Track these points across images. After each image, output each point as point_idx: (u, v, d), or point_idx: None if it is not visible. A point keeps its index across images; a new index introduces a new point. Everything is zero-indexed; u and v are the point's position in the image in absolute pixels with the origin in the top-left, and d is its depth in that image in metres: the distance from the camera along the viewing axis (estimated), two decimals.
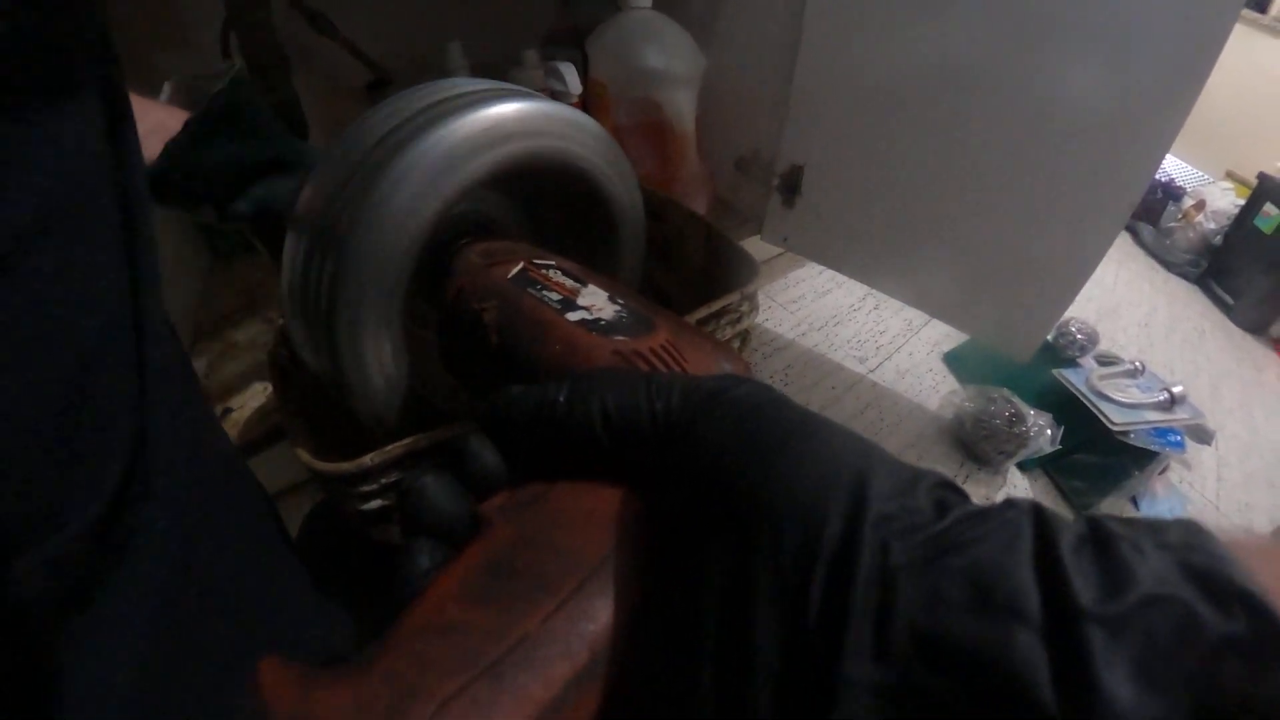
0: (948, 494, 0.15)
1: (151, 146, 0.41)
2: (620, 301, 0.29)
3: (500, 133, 0.34)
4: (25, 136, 0.20)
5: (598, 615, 0.16)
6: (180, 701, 0.27)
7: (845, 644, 0.13)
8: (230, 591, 0.32)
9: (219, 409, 0.69)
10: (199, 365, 0.75)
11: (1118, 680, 0.11)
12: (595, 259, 0.43)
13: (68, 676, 0.22)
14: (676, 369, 0.25)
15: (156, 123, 0.42)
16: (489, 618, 0.16)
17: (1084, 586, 0.12)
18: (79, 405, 0.22)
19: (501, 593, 0.17)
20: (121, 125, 0.26)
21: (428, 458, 0.36)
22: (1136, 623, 0.12)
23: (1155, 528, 0.13)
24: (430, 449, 0.36)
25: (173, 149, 0.42)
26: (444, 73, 0.87)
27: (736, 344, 0.48)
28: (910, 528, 0.14)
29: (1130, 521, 0.14)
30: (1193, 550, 0.13)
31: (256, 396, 0.69)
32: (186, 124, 0.42)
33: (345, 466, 0.35)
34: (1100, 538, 0.13)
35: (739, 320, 0.46)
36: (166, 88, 0.46)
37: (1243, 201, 1.54)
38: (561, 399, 0.20)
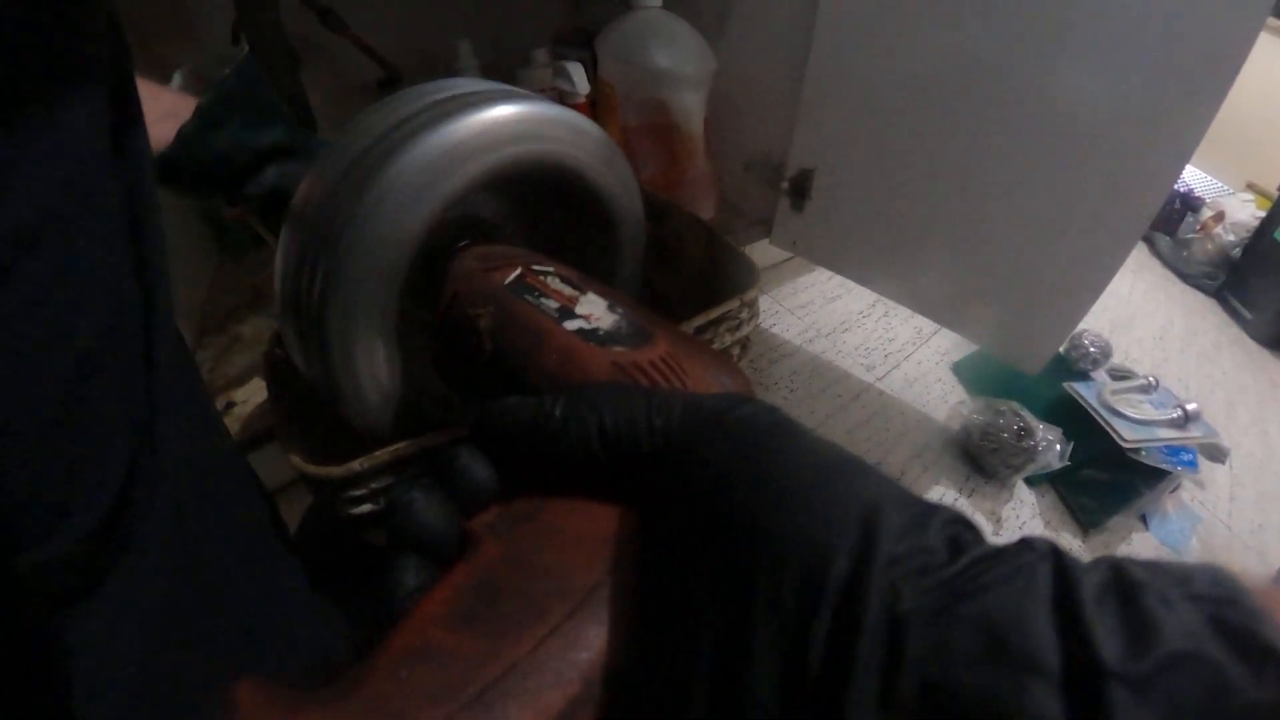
0: (961, 532, 0.15)
1: (164, 132, 0.42)
2: (619, 311, 0.28)
3: (498, 135, 0.34)
4: (27, 137, 0.20)
5: (591, 643, 0.16)
6: (181, 694, 0.27)
7: (849, 695, 0.12)
8: (229, 586, 0.32)
9: (223, 403, 0.69)
10: (204, 359, 0.75)
11: None
12: (594, 263, 0.42)
13: (71, 669, 0.23)
14: (676, 383, 0.24)
15: (169, 108, 0.42)
16: (475, 643, 0.16)
17: (1106, 640, 0.11)
18: (82, 406, 0.22)
19: (489, 616, 0.16)
20: (129, 122, 0.26)
21: (417, 464, 0.36)
22: (1162, 683, 0.11)
23: (1181, 576, 0.13)
24: (420, 455, 0.35)
25: (185, 134, 0.42)
26: (453, 71, 0.87)
27: (736, 351, 0.47)
28: (922, 569, 0.13)
29: (1154, 566, 0.13)
30: (1222, 604, 0.12)
31: (260, 391, 0.70)
32: (197, 109, 0.42)
33: (334, 471, 0.35)
34: (1124, 586, 0.12)
35: (738, 327, 0.45)
36: (178, 76, 0.47)
37: (1263, 214, 1.51)
38: (557, 413, 0.20)
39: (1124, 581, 0.13)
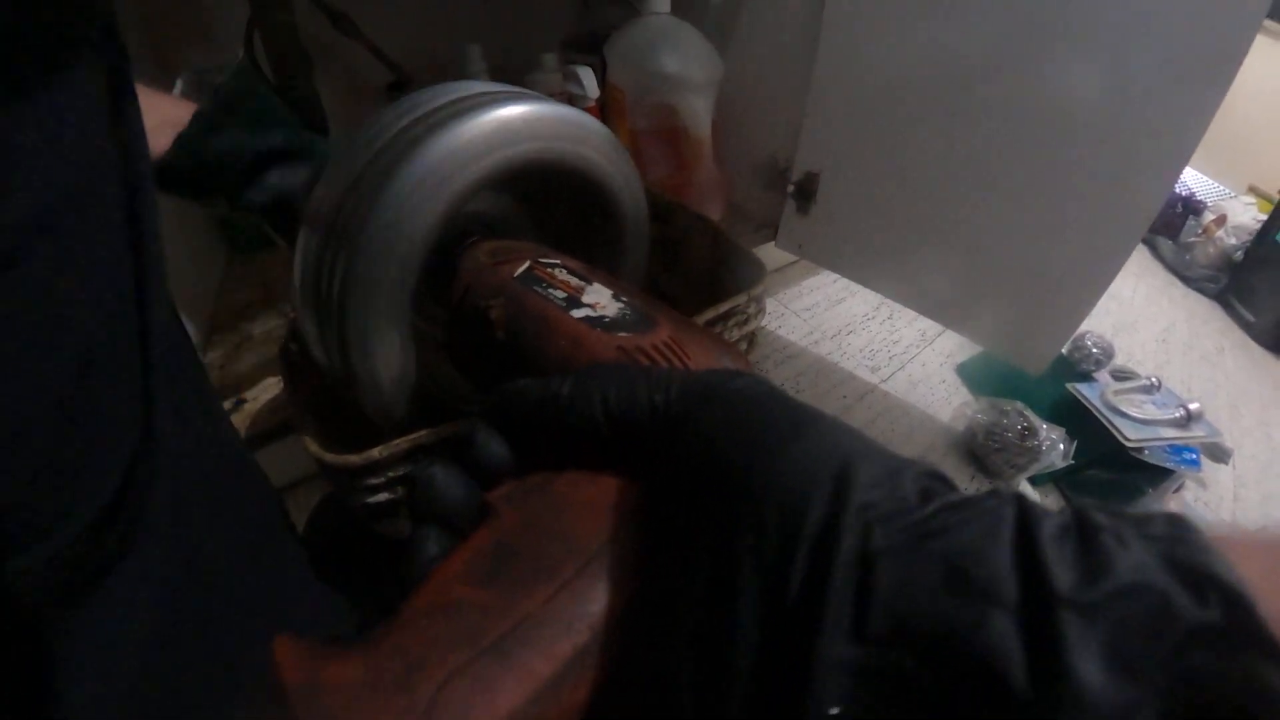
0: (934, 483, 0.16)
1: (161, 140, 0.41)
2: (624, 299, 0.29)
3: (507, 135, 0.35)
4: (27, 130, 0.20)
5: (598, 597, 0.17)
6: (182, 692, 0.28)
7: (823, 624, 0.13)
8: (233, 584, 0.32)
9: (233, 400, 0.70)
10: (214, 357, 0.76)
11: (1090, 665, 0.11)
12: (600, 258, 0.43)
13: (71, 668, 0.23)
14: (678, 364, 0.25)
15: (165, 116, 0.42)
16: (494, 598, 0.17)
17: (1061, 573, 0.12)
18: (82, 401, 0.22)
19: (506, 574, 0.17)
20: (127, 119, 0.26)
21: (434, 451, 0.37)
22: (1111, 609, 0.12)
23: (1141, 520, 0.13)
24: (438, 444, 0.36)
25: (183, 139, 0.42)
26: (463, 75, 0.88)
27: (744, 346, 0.48)
28: (893, 514, 0.14)
29: (1117, 513, 0.14)
30: (1176, 542, 0.13)
31: (270, 389, 0.70)
32: (195, 115, 0.42)
33: (353, 459, 0.35)
34: (1083, 527, 0.13)
35: (746, 322, 0.46)
36: (179, 82, 0.47)
37: (1265, 217, 1.51)
38: (565, 391, 0.20)
39: (1083, 524, 0.13)
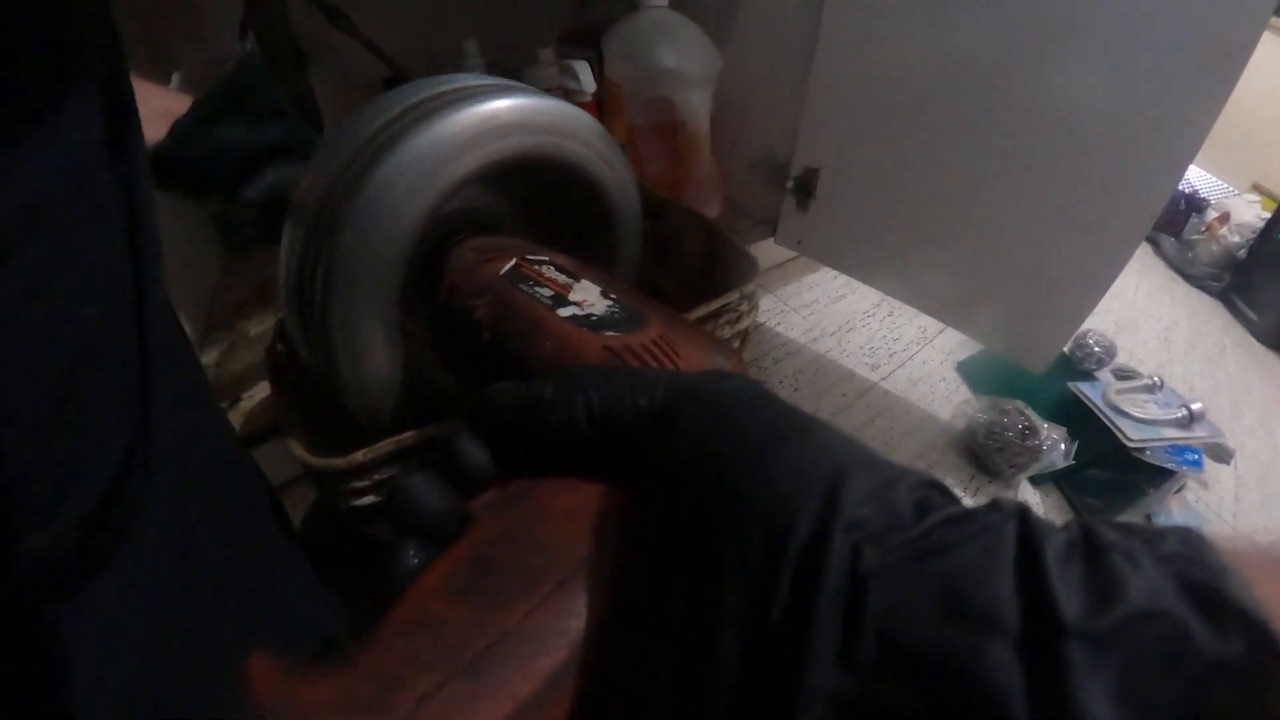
0: (931, 494, 0.15)
1: (156, 130, 0.40)
2: (613, 296, 0.29)
3: (492, 128, 0.34)
4: (23, 124, 0.20)
5: (577, 612, 0.17)
6: (179, 683, 0.28)
7: (808, 651, 0.12)
8: (229, 577, 0.32)
9: (229, 399, 0.69)
10: (211, 356, 0.76)
11: (1097, 701, 0.10)
12: (592, 254, 0.42)
13: (69, 658, 0.23)
14: (668, 364, 0.25)
15: (161, 107, 0.41)
16: (470, 613, 0.16)
17: (1068, 599, 0.11)
18: (77, 394, 0.22)
19: (483, 588, 0.17)
20: (124, 115, 0.26)
21: (419, 454, 0.36)
22: (1123, 640, 0.11)
23: (1152, 536, 0.13)
24: (422, 445, 0.36)
25: (178, 129, 0.41)
26: (459, 70, 0.88)
27: (736, 344, 0.47)
28: (885, 530, 0.13)
29: (1126, 528, 0.13)
30: (1190, 563, 0.12)
31: (266, 388, 0.70)
32: (194, 104, 0.41)
33: (337, 462, 0.35)
34: (1091, 545, 0.12)
35: (738, 320, 0.45)
36: (176, 76, 0.46)
37: (1269, 215, 1.50)
38: (547, 395, 0.20)
39: (1091, 541, 0.13)
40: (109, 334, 0.24)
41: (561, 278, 0.30)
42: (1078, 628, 0.11)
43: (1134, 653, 0.11)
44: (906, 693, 0.12)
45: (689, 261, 0.57)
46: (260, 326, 0.80)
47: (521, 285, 0.30)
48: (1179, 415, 0.94)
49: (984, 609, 0.12)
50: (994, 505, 0.14)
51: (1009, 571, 0.12)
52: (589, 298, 0.29)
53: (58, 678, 0.22)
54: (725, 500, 0.15)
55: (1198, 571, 0.12)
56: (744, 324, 0.46)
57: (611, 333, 0.26)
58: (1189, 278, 1.58)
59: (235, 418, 0.68)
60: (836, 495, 0.14)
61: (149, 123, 0.38)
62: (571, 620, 0.16)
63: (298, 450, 0.36)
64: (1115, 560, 0.12)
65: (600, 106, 0.91)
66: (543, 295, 0.29)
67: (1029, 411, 0.89)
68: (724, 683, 0.13)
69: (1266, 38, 0.54)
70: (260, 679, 0.15)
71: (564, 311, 0.28)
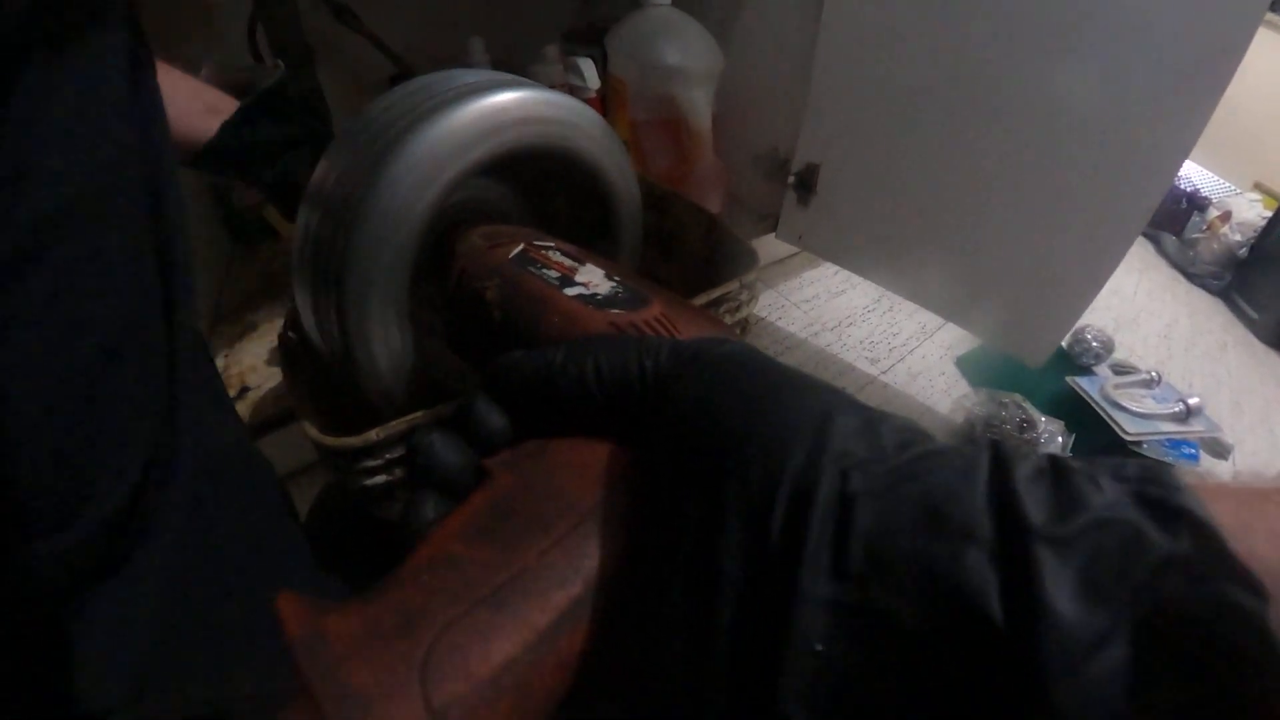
0: (911, 435, 0.16)
1: (207, 124, 0.49)
2: (616, 279, 0.30)
3: (499, 120, 0.35)
4: (50, 124, 0.21)
5: (591, 551, 0.18)
6: (188, 673, 0.28)
7: (804, 562, 0.14)
8: (238, 570, 0.33)
9: (237, 389, 0.70)
10: (218, 347, 0.76)
11: (1063, 596, 0.11)
12: (595, 243, 0.44)
13: (82, 653, 0.23)
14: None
15: (212, 104, 0.50)
16: (490, 553, 0.17)
17: (1036, 510, 0.13)
18: (103, 394, 0.23)
19: (503, 531, 0.18)
20: (151, 113, 0.27)
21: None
22: (1084, 542, 0.12)
23: (1115, 464, 0.14)
24: (434, 423, 0.37)
25: (228, 127, 0.50)
26: (465, 67, 0.89)
27: (737, 332, 0.48)
28: (870, 460, 0.15)
29: (1090, 459, 0.14)
30: (1148, 482, 0.13)
31: (273, 378, 0.71)
32: (242, 107, 0.51)
33: (351, 441, 0.36)
34: (1057, 470, 0.14)
35: (738, 309, 0.46)
36: (204, 70, 0.53)
37: (1270, 213, 1.50)
38: (559, 360, 0.21)
39: (1057, 466, 0.14)
40: (136, 335, 0.25)
41: (568, 261, 0.31)
42: (1044, 532, 0.12)
43: (1094, 552, 0.12)
44: (893, 597, 0.13)
45: (691, 255, 0.58)
46: (267, 318, 0.81)
47: (530, 268, 0.31)
48: (1176, 409, 0.95)
49: (960, 522, 0.13)
50: (969, 441, 0.16)
51: (983, 490, 0.14)
52: (594, 279, 0.30)
53: (74, 665, 0.23)
54: (727, 442, 0.16)
55: (1153, 489, 0.13)
56: (744, 313, 0.47)
57: (617, 310, 0.27)
58: (1190, 276, 1.58)
59: (244, 408, 0.69)
60: (826, 431, 0.16)
61: (201, 115, 0.48)
62: (587, 559, 0.17)
63: (312, 432, 0.37)
64: (1078, 480, 0.13)
65: (604, 103, 0.92)
66: (550, 277, 0.30)
67: (1027, 405, 0.90)
68: (729, 596, 0.15)
69: (1267, 36, 0.55)
70: (287, 613, 0.16)
71: (571, 291, 0.29)
